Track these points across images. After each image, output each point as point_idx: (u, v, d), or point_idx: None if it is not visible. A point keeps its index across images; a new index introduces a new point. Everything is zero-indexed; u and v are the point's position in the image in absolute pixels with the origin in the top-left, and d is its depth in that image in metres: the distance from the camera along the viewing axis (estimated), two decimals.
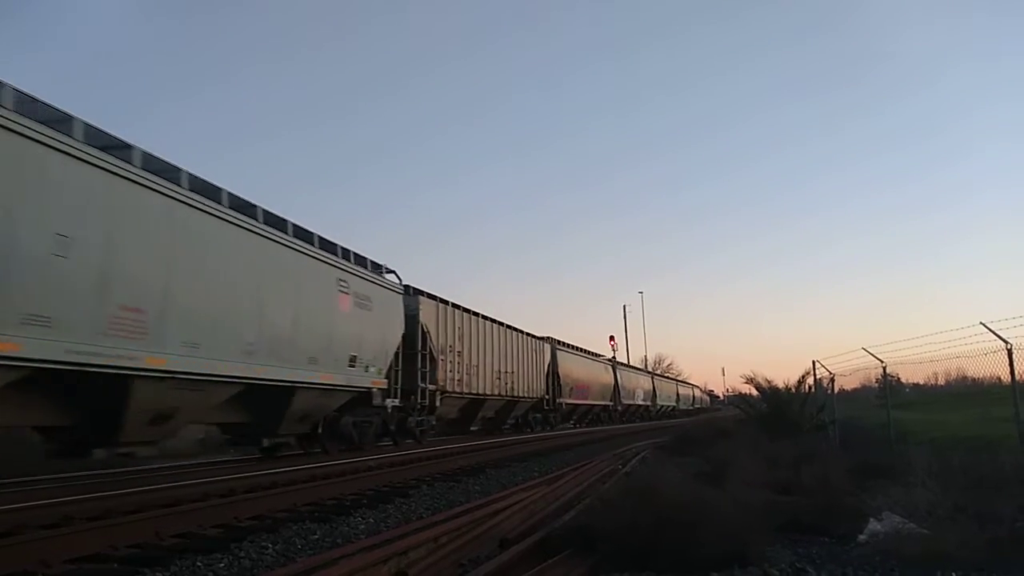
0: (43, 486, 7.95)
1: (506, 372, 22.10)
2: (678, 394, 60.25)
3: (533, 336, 25.88)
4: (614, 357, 45.23)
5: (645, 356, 72.33)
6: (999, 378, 9.46)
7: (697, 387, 79.48)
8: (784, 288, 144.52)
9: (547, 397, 26.61)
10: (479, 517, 6.29)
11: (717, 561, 4.74)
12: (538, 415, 26.73)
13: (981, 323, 8.94)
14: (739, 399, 23.74)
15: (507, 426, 24.63)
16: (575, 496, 8.01)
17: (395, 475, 10.26)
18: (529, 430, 25.32)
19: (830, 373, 15.11)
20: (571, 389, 29.62)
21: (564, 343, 30.40)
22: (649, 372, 52.16)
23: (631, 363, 56.80)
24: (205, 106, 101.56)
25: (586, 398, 32.33)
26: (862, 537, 5.86)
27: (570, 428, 31.09)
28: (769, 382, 15.95)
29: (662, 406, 51.48)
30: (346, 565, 4.32)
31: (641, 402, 44.47)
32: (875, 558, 5.10)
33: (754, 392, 17.08)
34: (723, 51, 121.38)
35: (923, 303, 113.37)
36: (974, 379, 13.78)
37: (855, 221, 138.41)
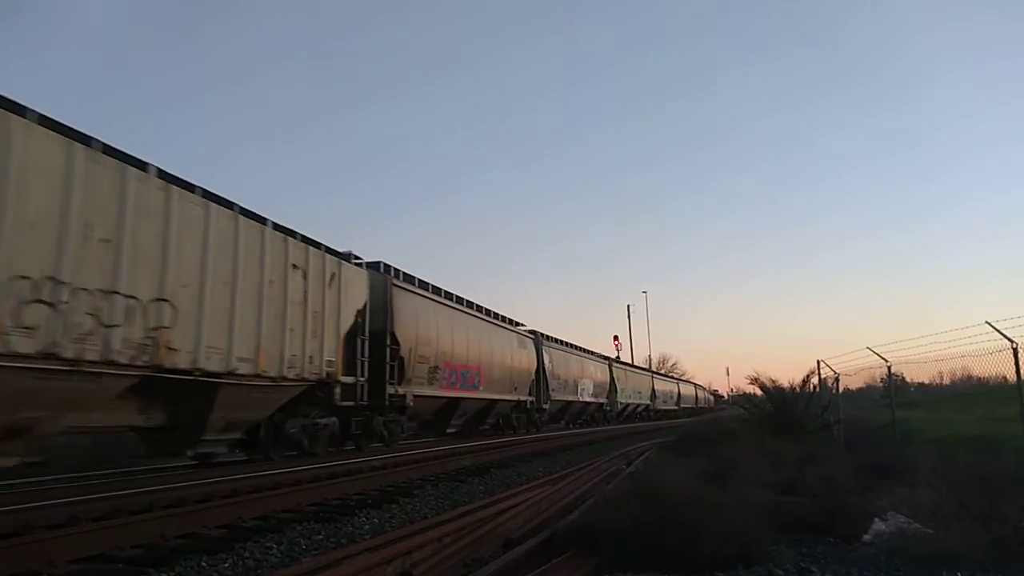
0: (49, 486, 7.96)
1: (180, 311, 8.60)
2: (654, 390, 46.48)
3: (316, 246, 11.95)
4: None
5: (649, 355, 71.78)
6: (1005, 377, 9.42)
7: (693, 383, 70.18)
8: (789, 289, 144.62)
9: (356, 381, 12.72)
10: (483, 517, 6.29)
11: (721, 561, 4.74)
12: (323, 422, 12.15)
13: (986, 322, 8.91)
14: (743, 399, 23.70)
15: (220, 447, 10.26)
16: (579, 496, 8.00)
17: (399, 475, 10.26)
18: (297, 454, 11.64)
19: (835, 372, 15.05)
20: (433, 370, 16.38)
21: (418, 280, 16.88)
22: (606, 359, 37.01)
23: (635, 362, 54.65)
24: (210, 109, 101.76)
25: (475, 388, 19.09)
26: (867, 537, 5.84)
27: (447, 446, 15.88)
28: (774, 382, 15.89)
29: (627, 405, 39.50)
30: (350, 565, 4.33)
31: (590, 399, 31.78)
32: (880, 558, 5.09)
33: (758, 392, 17.03)
34: (729, 55, 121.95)
35: (928, 304, 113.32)
36: (979, 378, 13.77)
37: (862, 223, 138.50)
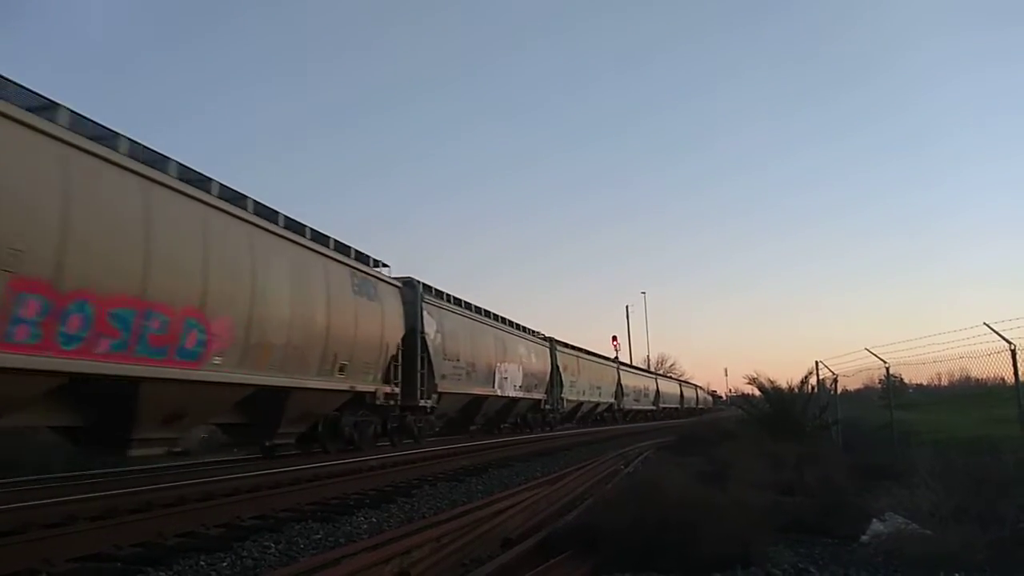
0: (47, 485, 7.96)
1: None
2: (621, 386, 37.02)
3: None
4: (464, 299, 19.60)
5: (648, 356, 71.39)
6: (1003, 379, 9.43)
7: (679, 380, 62.87)
8: (789, 290, 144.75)
9: None
10: (481, 517, 6.29)
11: (719, 561, 4.74)
12: None
13: (985, 323, 8.93)
14: (742, 399, 23.68)
15: None
16: (577, 496, 8.01)
17: (398, 475, 10.27)
18: None
19: (833, 374, 15.08)
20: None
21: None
22: (547, 340, 27.20)
23: (633, 363, 52.87)
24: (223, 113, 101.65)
25: (186, 358, 8.51)
26: (865, 538, 5.84)
27: None
28: (772, 382, 15.89)
29: (581, 404, 30.47)
30: (348, 565, 4.33)
31: (519, 393, 22.38)
32: (878, 559, 5.10)
33: (757, 392, 17.03)
34: (731, 59, 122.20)
35: (928, 306, 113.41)
36: (978, 380, 13.73)
37: (862, 226, 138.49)
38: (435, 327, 16.61)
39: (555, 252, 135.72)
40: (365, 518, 7.01)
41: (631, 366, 47.40)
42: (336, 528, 6.46)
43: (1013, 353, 8.72)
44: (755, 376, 16.19)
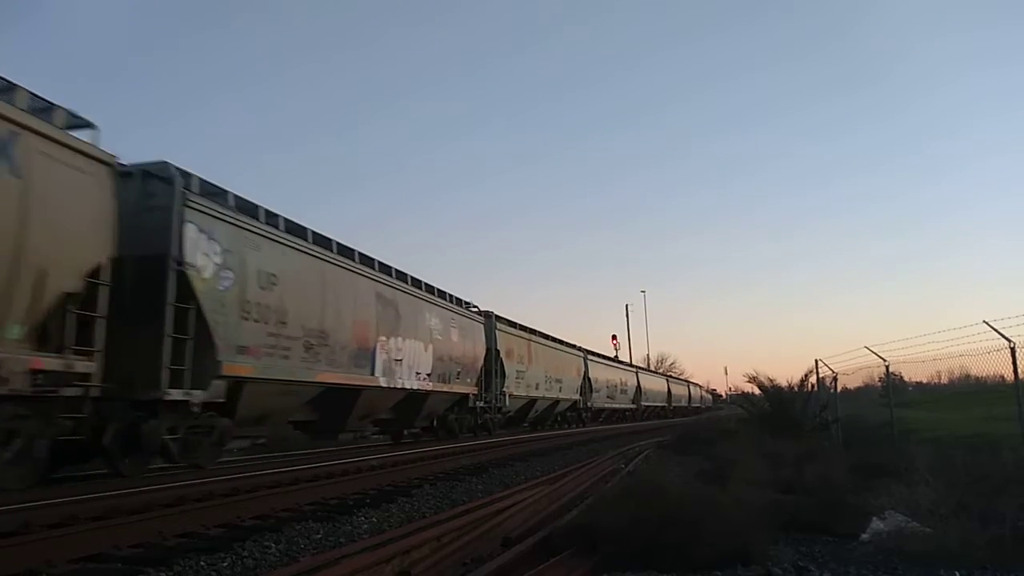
0: (47, 485, 7.95)
1: None
2: (588, 380, 30.50)
3: None
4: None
5: (648, 355, 71.05)
6: (1002, 377, 9.45)
7: (667, 376, 55.83)
8: (789, 289, 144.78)
9: None
10: (481, 516, 6.30)
11: (720, 559, 4.75)
12: None
13: (984, 322, 8.94)
14: (742, 398, 23.70)
15: None
16: (578, 495, 8.01)
17: (398, 474, 10.27)
18: None
19: (833, 372, 15.10)
20: None
21: None
22: (483, 314, 20.86)
23: (633, 362, 52.10)
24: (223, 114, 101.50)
25: None
26: (865, 536, 5.85)
27: None
28: (772, 381, 15.92)
29: (535, 401, 24.17)
30: (349, 564, 4.33)
31: (431, 385, 15.97)
32: (878, 556, 5.11)
33: (757, 391, 17.05)
34: (731, 58, 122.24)
35: (927, 304, 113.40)
36: (977, 378, 13.79)
37: (862, 225, 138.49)
38: (220, 258, 9.54)
39: (554, 252, 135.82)
40: (365, 518, 7.00)
41: (605, 356, 39.15)
42: (336, 528, 6.45)
43: (1013, 351, 8.73)
44: (755, 375, 16.23)
